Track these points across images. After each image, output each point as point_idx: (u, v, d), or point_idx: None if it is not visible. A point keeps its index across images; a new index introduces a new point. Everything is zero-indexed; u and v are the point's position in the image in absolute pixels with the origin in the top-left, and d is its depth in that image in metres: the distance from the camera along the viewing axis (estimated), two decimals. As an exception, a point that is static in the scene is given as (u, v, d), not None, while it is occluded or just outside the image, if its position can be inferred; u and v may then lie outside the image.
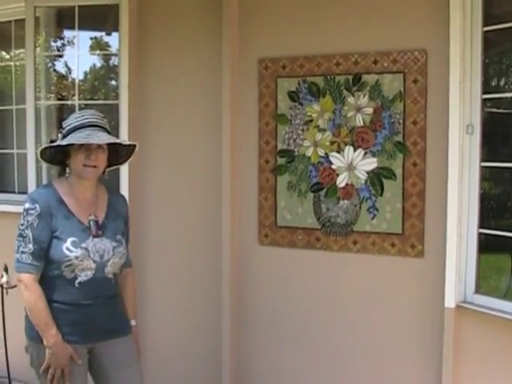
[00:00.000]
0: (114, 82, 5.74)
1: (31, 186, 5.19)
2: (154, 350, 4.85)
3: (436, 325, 3.95)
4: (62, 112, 5.47)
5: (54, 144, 3.25)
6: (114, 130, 4.50)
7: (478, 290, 3.87)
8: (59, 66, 5.80)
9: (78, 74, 5.57)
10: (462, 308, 3.84)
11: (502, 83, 4.22)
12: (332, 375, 4.33)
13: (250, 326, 4.59)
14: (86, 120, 3.21)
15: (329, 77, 4.20)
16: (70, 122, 3.24)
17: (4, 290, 4.78)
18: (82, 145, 3.17)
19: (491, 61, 4.05)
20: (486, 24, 3.74)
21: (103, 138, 3.19)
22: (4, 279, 4.71)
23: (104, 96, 5.85)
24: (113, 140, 3.25)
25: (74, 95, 5.47)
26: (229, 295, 4.54)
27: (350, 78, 4.15)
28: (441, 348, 3.90)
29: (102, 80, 5.98)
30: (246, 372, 4.63)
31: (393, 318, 4.13)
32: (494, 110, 4.07)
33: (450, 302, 3.85)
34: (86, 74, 5.83)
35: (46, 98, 5.51)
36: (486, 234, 3.85)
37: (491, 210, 4.07)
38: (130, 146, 3.45)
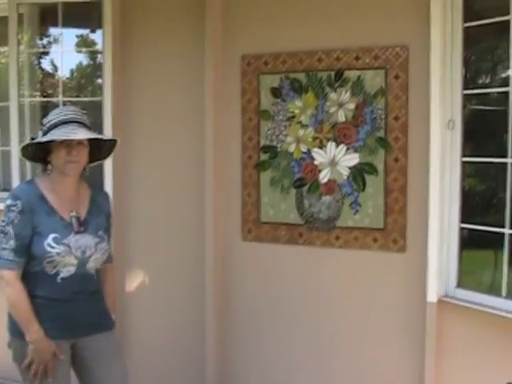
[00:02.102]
0: (100, 80, 5.73)
1: (15, 183, 5.18)
2: (138, 345, 4.87)
3: (418, 319, 3.97)
4: (47, 109, 5.43)
5: (35, 141, 3.25)
6: (98, 128, 4.52)
7: (460, 285, 3.89)
8: (45, 64, 5.79)
9: (62, 71, 5.57)
10: (444, 302, 3.87)
11: (482, 79, 4.24)
12: (314, 368, 4.35)
13: (234, 321, 4.60)
14: (66, 116, 3.22)
15: (311, 73, 4.21)
16: (51, 118, 3.24)
17: (-12, 287, 4.78)
18: (62, 141, 3.17)
19: (472, 57, 4.07)
20: (466, 20, 3.76)
21: (84, 134, 3.19)
22: (-13, 276, 4.71)
23: (91, 94, 5.84)
24: (93, 135, 3.26)
25: (59, 93, 5.47)
26: (212, 290, 4.55)
27: (332, 73, 4.16)
28: (423, 342, 3.92)
29: (88, 78, 5.98)
30: (229, 364, 4.64)
31: (375, 313, 4.15)
32: (476, 107, 4.09)
33: (432, 296, 3.88)
34: (72, 71, 5.82)
35: (30, 95, 5.50)
36: (468, 229, 3.87)
37: (474, 205, 4.10)
38: (111, 141, 3.46)
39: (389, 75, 4.01)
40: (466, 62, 3.86)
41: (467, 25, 3.76)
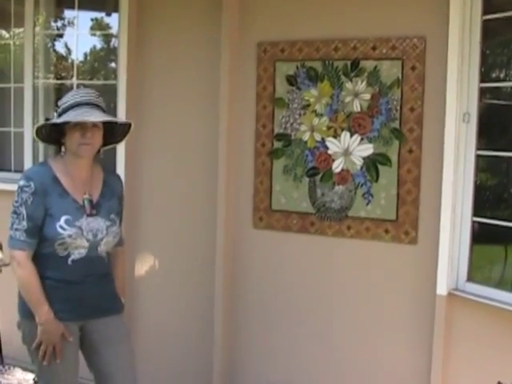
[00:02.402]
0: (113, 64, 5.73)
1: (27, 165, 5.20)
2: (146, 330, 4.88)
3: (428, 311, 3.96)
4: (61, 92, 5.46)
5: (50, 122, 3.26)
6: (112, 111, 4.53)
7: (470, 278, 3.88)
8: (59, 46, 5.80)
9: (76, 54, 5.57)
10: (453, 295, 3.86)
11: (499, 73, 4.21)
12: (324, 358, 4.35)
13: (243, 309, 4.60)
14: (82, 98, 3.21)
15: (327, 62, 4.19)
16: (66, 100, 3.24)
17: (-2, 268, 4.81)
18: (77, 123, 3.17)
19: (490, 50, 4.05)
20: (485, 12, 3.74)
21: (99, 117, 3.19)
22: (-2, 257, 4.74)
23: (104, 77, 5.84)
24: (108, 118, 3.26)
25: (72, 76, 5.47)
26: (222, 277, 4.55)
27: (349, 63, 4.14)
28: (432, 334, 3.92)
29: (101, 61, 5.98)
30: (237, 354, 4.65)
31: (385, 304, 4.15)
32: (492, 101, 4.07)
33: (442, 289, 3.87)
34: (85, 54, 5.82)
35: (44, 77, 5.50)
36: (480, 223, 3.86)
37: (486, 199, 4.08)
38: (125, 124, 3.46)
39: (405, 66, 3.98)
40: (484, 55, 3.84)
41: (486, 17, 3.74)
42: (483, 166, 3.96)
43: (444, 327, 3.86)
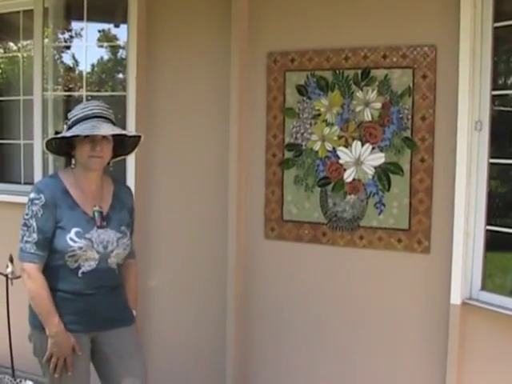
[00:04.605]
0: (121, 75, 5.73)
1: (37, 177, 5.19)
2: (158, 342, 4.86)
3: (441, 321, 3.93)
4: (69, 103, 5.46)
5: (59, 135, 3.25)
6: (120, 122, 4.52)
7: (484, 287, 3.85)
8: (67, 58, 5.80)
9: (85, 66, 5.56)
10: (467, 305, 3.83)
11: (511, 80, 4.19)
12: (336, 369, 4.32)
13: (255, 320, 4.58)
14: (92, 111, 3.21)
15: (337, 71, 4.18)
16: (76, 113, 3.24)
17: (9, 280, 4.79)
18: (87, 136, 3.17)
19: (501, 57, 4.03)
20: (496, 20, 3.72)
21: (108, 130, 3.19)
22: (9, 269, 4.73)
23: (111, 88, 5.84)
24: (118, 131, 3.25)
25: (81, 87, 5.47)
26: (234, 288, 4.53)
27: (359, 72, 4.12)
28: (446, 344, 3.88)
29: (109, 72, 5.97)
30: (250, 366, 4.62)
31: (398, 314, 4.12)
32: (504, 108, 4.05)
33: (455, 298, 3.84)
34: (93, 66, 5.82)
35: (53, 89, 5.50)
36: (493, 232, 3.83)
37: (499, 207, 4.05)
38: (135, 137, 3.45)
39: (416, 75, 3.96)
40: (495, 62, 3.81)
41: (497, 25, 3.72)
42: (496, 174, 3.94)
43: (458, 337, 3.83)
